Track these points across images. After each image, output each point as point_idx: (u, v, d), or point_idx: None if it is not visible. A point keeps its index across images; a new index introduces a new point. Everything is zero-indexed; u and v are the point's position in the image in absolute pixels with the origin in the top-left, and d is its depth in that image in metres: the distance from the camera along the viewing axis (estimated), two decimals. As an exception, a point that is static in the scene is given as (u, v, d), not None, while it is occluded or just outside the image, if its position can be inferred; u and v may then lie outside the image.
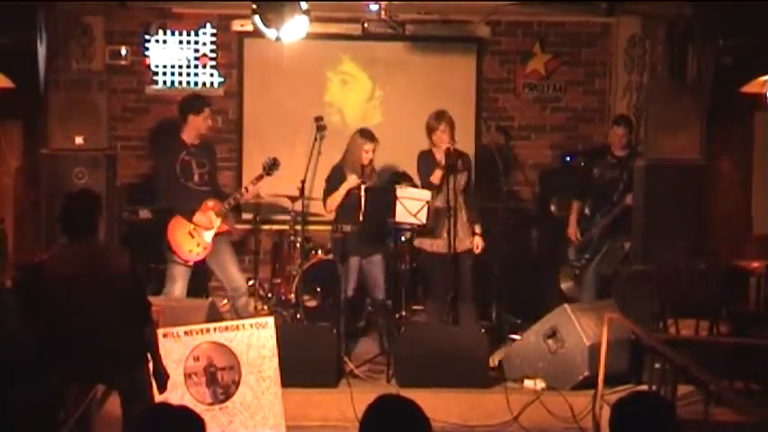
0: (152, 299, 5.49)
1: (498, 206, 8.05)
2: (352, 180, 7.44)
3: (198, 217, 7.45)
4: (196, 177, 7.54)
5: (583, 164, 8.22)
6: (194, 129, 7.54)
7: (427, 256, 7.55)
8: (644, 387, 6.68)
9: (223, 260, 7.62)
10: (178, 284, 7.48)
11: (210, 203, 7.52)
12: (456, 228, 7.29)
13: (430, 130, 7.44)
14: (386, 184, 7.74)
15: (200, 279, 8.16)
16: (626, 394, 3.46)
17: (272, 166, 7.58)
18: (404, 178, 8.12)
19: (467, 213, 7.50)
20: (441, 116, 7.42)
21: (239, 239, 8.73)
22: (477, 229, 7.52)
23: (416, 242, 7.62)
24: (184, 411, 3.22)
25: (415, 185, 7.65)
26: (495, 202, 8.05)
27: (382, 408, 3.21)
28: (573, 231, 8.03)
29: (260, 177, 7.57)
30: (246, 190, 7.69)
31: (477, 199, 7.65)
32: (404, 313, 7.76)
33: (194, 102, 7.66)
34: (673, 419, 3.31)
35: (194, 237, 7.47)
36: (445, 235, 7.24)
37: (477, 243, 7.49)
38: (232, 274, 7.63)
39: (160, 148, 7.82)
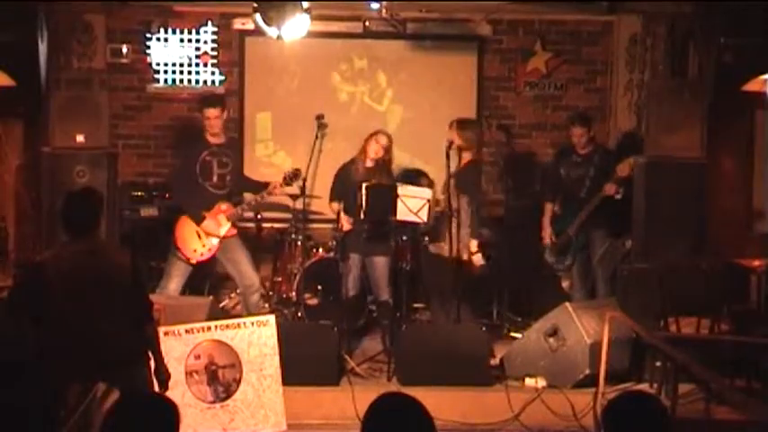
0: (153, 297, 5.49)
1: (499, 204, 8.06)
2: (344, 221, 7.48)
3: (207, 223, 7.41)
4: (215, 178, 7.50)
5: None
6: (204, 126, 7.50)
7: (432, 258, 7.54)
8: (643, 386, 6.69)
9: (235, 257, 7.55)
10: (174, 281, 7.42)
11: (224, 207, 7.46)
12: (460, 232, 7.29)
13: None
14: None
15: (202, 277, 8.16)
16: (617, 395, 3.43)
17: (292, 178, 7.47)
18: (418, 175, 8.15)
19: (469, 222, 7.41)
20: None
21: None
22: (473, 246, 7.36)
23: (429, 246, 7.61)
24: (158, 399, 3.19)
25: (419, 184, 7.67)
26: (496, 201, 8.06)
27: (385, 405, 3.20)
28: (547, 234, 7.97)
29: (279, 185, 7.46)
30: (262, 197, 7.53)
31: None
32: (405, 311, 7.76)
33: (205, 99, 7.68)
34: (664, 419, 3.28)
35: (201, 238, 7.44)
36: (448, 238, 7.23)
37: (477, 261, 7.38)
38: (245, 271, 7.55)
39: (183, 145, 7.77)
